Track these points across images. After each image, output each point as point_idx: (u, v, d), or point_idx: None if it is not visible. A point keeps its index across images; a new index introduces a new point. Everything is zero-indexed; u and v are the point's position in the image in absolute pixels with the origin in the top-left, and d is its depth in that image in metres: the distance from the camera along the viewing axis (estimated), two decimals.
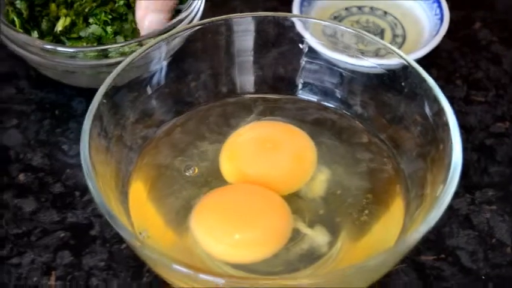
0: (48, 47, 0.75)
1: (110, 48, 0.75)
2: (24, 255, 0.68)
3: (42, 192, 0.73)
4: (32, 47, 0.75)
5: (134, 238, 0.54)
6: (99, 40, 0.79)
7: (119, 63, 0.68)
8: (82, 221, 0.70)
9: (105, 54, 0.74)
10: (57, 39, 0.78)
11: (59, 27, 0.78)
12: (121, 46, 0.75)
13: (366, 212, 0.65)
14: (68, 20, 0.78)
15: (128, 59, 0.66)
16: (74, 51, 0.74)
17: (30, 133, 0.78)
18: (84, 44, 0.78)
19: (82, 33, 0.78)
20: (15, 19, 0.78)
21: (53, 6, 0.80)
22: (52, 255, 0.68)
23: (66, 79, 0.80)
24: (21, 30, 0.77)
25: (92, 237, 0.69)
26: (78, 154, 0.74)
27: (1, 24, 0.76)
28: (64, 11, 0.79)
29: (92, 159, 0.58)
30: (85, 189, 0.72)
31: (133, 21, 0.80)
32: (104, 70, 0.75)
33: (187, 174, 0.68)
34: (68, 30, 0.79)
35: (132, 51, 0.73)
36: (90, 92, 0.69)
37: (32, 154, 0.76)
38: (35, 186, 0.73)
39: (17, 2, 0.80)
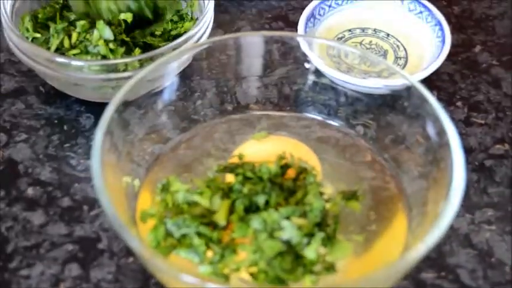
0: (59, 59, 0.76)
1: (117, 63, 0.76)
2: (34, 267, 0.69)
3: (50, 206, 0.74)
4: (41, 58, 0.76)
5: (144, 249, 0.55)
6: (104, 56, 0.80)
7: (125, 78, 0.70)
8: (90, 235, 0.72)
9: (111, 69, 0.76)
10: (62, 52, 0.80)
11: (52, 47, 0.80)
12: (128, 61, 0.76)
13: (369, 228, 0.66)
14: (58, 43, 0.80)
15: (138, 76, 0.67)
16: (82, 65, 0.76)
17: (39, 148, 0.79)
18: (89, 58, 0.79)
19: (90, 49, 0.80)
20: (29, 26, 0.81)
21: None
22: (60, 267, 0.69)
23: (71, 91, 0.82)
24: (31, 43, 0.79)
25: (100, 250, 0.70)
26: (86, 169, 0.76)
27: (13, 35, 0.78)
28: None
29: (103, 173, 0.59)
30: (93, 204, 0.73)
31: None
32: (107, 84, 0.77)
33: None
34: (72, 45, 0.80)
35: (139, 67, 0.75)
36: (98, 108, 0.71)
37: (40, 168, 0.77)
38: (43, 200, 0.74)
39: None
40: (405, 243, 0.63)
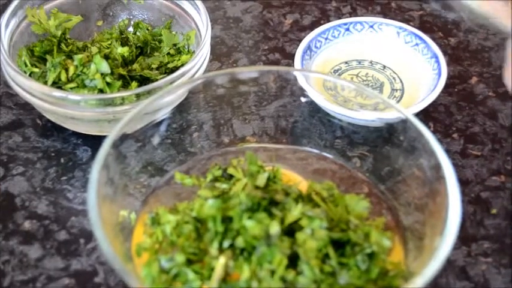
0: (55, 94, 0.76)
1: (114, 97, 0.76)
2: None
3: (47, 239, 0.74)
4: (38, 92, 0.77)
5: (139, 285, 0.55)
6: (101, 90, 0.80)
7: (122, 111, 0.70)
8: (87, 268, 0.71)
9: (108, 103, 0.76)
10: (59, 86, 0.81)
11: (49, 81, 0.80)
12: (125, 96, 0.76)
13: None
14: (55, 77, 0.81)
15: (135, 110, 0.67)
16: (79, 99, 0.76)
17: (36, 181, 0.79)
18: (86, 92, 0.79)
19: (87, 82, 0.80)
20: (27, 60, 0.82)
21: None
22: None
23: (68, 124, 0.82)
24: (28, 77, 0.79)
25: (97, 284, 0.70)
26: (83, 202, 0.76)
27: (10, 69, 0.78)
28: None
29: (99, 208, 0.59)
30: (89, 237, 0.73)
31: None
32: (104, 118, 0.77)
33: None
34: (69, 79, 0.81)
35: (136, 101, 0.75)
36: (95, 141, 0.71)
37: (37, 202, 0.77)
38: (40, 234, 0.74)
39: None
40: (402, 277, 0.63)
